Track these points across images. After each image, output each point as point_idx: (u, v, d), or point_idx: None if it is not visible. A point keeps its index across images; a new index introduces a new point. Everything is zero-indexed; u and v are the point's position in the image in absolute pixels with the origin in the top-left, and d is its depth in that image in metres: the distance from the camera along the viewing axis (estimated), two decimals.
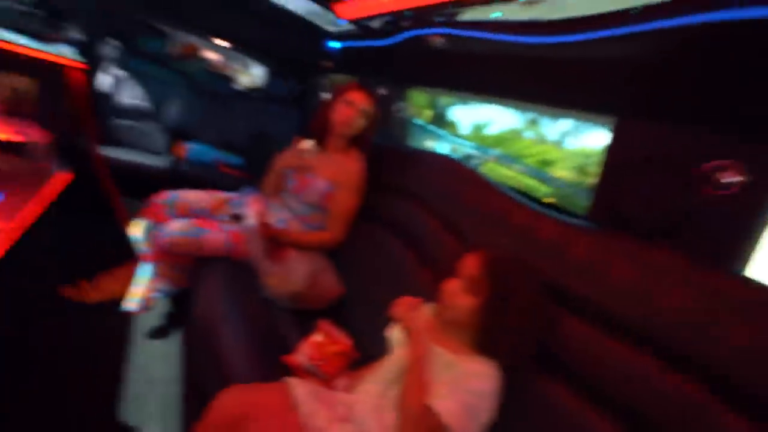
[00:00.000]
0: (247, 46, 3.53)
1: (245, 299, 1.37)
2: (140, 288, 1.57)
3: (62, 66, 1.44)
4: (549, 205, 1.24)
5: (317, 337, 1.13)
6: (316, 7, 2.02)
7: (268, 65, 3.67)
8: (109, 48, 2.70)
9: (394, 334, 1.02)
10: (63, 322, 1.57)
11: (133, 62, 2.68)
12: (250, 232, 1.50)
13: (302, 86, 3.45)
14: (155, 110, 2.71)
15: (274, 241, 1.53)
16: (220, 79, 3.02)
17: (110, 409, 1.31)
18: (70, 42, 1.75)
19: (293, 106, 3.31)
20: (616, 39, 0.93)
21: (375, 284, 1.45)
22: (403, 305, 1.03)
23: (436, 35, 1.44)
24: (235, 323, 1.23)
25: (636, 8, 0.87)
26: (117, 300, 1.62)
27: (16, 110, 1.50)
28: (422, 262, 1.35)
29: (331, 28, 2.35)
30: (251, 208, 1.54)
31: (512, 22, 1.13)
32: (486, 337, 0.87)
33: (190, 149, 2.60)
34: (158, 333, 1.67)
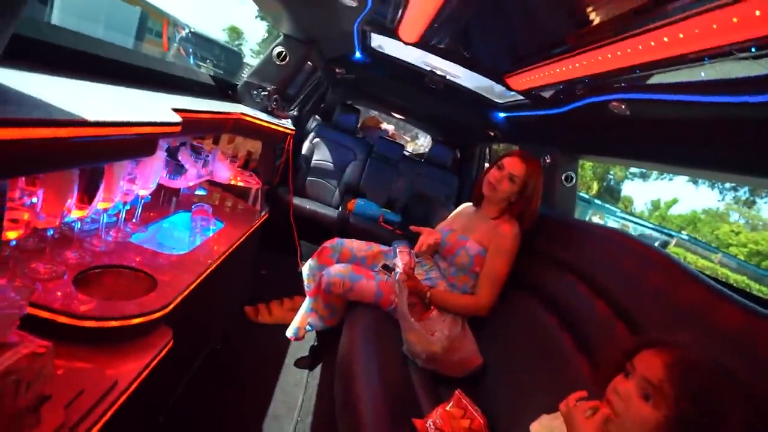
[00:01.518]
0: (419, 119, 3.96)
1: (385, 351, 1.39)
2: (299, 319, 1.78)
3: (282, 134, 1.86)
4: None
5: (450, 408, 1.05)
6: (486, 81, 2.14)
7: (433, 134, 4.00)
8: (313, 121, 3.40)
9: (539, 430, 0.87)
10: (242, 334, 1.88)
11: (328, 132, 3.29)
12: (398, 285, 1.56)
13: (464, 154, 3.60)
14: (337, 170, 3.22)
15: (419, 297, 1.55)
16: (392, 146, 3.41)
17: (254, 419, 1.47)
18: (289, 116, 2.26)
19: (453, 172, 3.46)
20: None
21: (520, 362, 1.29)
22: (581, 406, 0.77)
23: (617, 101, 1.33)
24: (371, 372, 1.25)
25: None
26: (282, 326, 1.86)
27: (246, 164, 2.01)
28: (579, 347, 1.15)
29: (498, 100, 2.43)
30: (400, 260, 1.61)
31: (727, 80, 0.96)
32: None
33: (357, 204, 2.94)
34: (304, 363, 1.83)
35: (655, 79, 1.22)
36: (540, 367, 1.21)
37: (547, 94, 1.82)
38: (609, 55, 1.11)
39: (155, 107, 0.94)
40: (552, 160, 2.12)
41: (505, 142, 2.96)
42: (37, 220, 0.82)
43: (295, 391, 1.66)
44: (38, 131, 0.47)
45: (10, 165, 0.47)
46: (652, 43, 0.96)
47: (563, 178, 2.09)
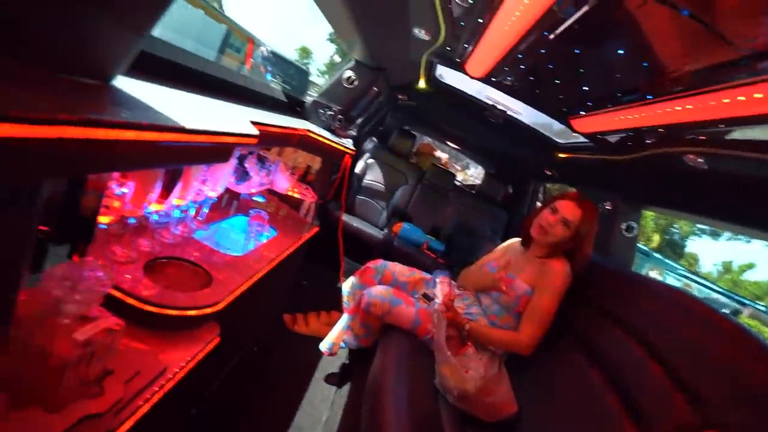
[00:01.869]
0: (474, 150, 3.96)
1: (417, 380, 1.37)
2: (334, 335, 1.80)
3: (341, 152, 1.95)
4: None
5: None
6: (546, 119, 2.11)
7: (487, 167, 3.96)
8: (369, 142, 3.51)
9: None
10: (278, 341, 1.93)
11: (382, 154, 3.37)
12: (436, 315, 1.54)
13: (517, 189, 3.53)
14: (386, 192, 3.27)
15: (457, 329, 1.52)
16: (444, 175, 3.42)
17: (279, 426, 1.49)
18: (349, 136, 2.35)
19: (502, 207, 3.40)
20: None
21: (558, 417, 1.21)
22: None
23: (693, 154, 1.26)
24: (401, 399, 1.23)
25: None
26: (316, 338, 1.89)
27: (304, 177, 2.11)
28: (627, 411, 1.06)
29: (559, 139, 2.38)
30: (440, 291, 1.59)
31: None
32: None
33: (403, 228, 2.96)
34: (333, 380, 1.83)
35: (738, 134, 1.15)
36: (581, 426, 1.13)
37: (613, 139, 1.76)
38: (689, 106, 1.07)
39: (236, 118, 1.03)
40: (612, 207, 2.02)
41: (562, 182, 2.87)
42: (124, 209, 0.92)
43: (321, 406, 1.67)
44: (147, 134, 0.54)
45: (122, 160, 0.54)
46: (741, 98, 0.92)
47: (623, 227, 1.98)
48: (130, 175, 0.90)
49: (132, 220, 1.01)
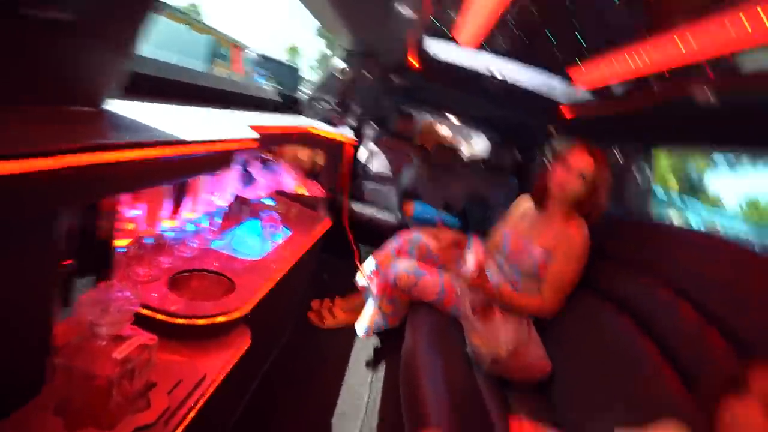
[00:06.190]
0: (476, 121, 3.90)
1: (449, 353, 1.39)
2: (367, 316, 1.81)
3: (342, 143, 1.94)
4: None
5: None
6: (548, 81, 2.06)
7: (491, 136, 3.90)
8: (370, 129, 3.48)
9: None
10: (309, 334, 1.97)
11: (384, 138, 3.34)
12: (459, 289, 1.54)
13: (524, 155, 3.48)
14: (393, 175, 3.26)
15: (483, 293, 1.51)
16: (448, 150, 3.39)
17: (323, 416, 1.53)
18: (348, 125, 2.34)
19: (512, 174, 3.36)
20: None
21: (595, 369, 1.22)
22: None
23: (701, 90, 1.21)
24: (436, 374, 1.25)
25: None
26: (345, 326, 1.92)
27: (309, 173, 2.11)
28: (663, 353, 1.06)
29: (561, 99, 2.32)
30: (473, 256, 1.57)
31: None
32: None
33: (415, 208, 2.95)
34: (368, 363, 1.87)
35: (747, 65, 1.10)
36: (619, 372, 1.13)
37: (615, 87, 1.71)
38: (691, 40, 1.02)
39: (234, 124, 1.03)
40: (623, 155, 1.98)
41: (570, 136, 2.80)
42: (139, 230, 0.94)
43: (361, 390, 1.70)
44: (149, 151, 0.55)
45: (127, 181, 0.55)
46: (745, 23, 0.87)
47: (635, 173, 1.94)
48: (141, 196, 0.92)
49: (149, 240, 1.03)
